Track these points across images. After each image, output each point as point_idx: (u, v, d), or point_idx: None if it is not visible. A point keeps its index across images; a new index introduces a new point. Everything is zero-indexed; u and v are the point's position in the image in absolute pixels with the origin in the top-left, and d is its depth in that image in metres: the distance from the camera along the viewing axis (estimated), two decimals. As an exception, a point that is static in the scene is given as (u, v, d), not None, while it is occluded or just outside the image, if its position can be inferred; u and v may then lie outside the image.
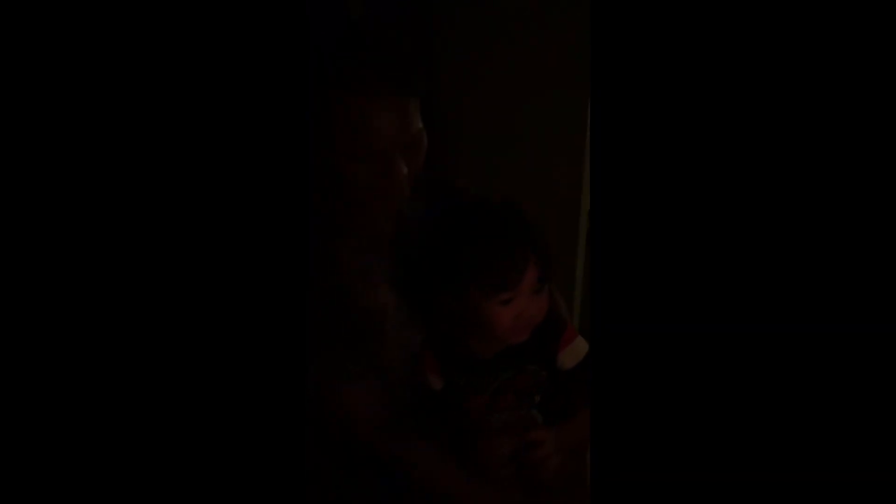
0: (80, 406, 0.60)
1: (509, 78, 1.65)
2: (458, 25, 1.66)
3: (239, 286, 0.63)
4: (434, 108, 1.02)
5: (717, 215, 0.60)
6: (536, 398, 0.96)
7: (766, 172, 0.60)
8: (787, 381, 0.60)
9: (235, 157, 0.63)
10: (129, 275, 0.61)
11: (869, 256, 0.59)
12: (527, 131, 1.67)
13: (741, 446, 0.60)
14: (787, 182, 0.60)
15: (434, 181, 0.99)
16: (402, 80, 0.92)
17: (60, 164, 0.60)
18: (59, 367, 0.60)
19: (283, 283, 0.64)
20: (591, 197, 0.63)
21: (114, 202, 0.61)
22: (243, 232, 0.63)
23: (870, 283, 0.59)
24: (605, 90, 0.62)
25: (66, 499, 0.60)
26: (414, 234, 0.98)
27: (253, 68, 0.63)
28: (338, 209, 0.95)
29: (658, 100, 0.60)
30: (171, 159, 0.62)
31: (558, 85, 1.59)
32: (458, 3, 1.66)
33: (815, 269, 0.59)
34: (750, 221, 0.60)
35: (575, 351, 0.94)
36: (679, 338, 0.61)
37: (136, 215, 0.61)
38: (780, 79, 0.59)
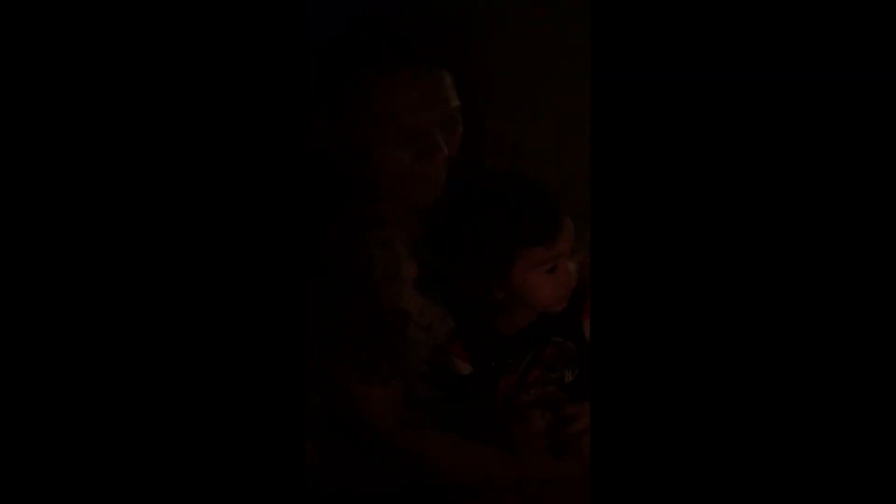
0: (79, 405, 0.60)
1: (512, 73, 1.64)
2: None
3: (250, 284, 0.63)
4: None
5: (715, 209, 0.60)
6: (569, 376, 0.96)
7: (766, 167, 0.60)
8: (785, 368, 0.60)
9: (233, 154, 0.63)
10: (141, 275, 0.61)
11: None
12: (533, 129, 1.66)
13: (738, 439, 0.60)
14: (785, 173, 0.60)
15: (466, 164, 0.96)
16: (435, 51, 0.88)
17: (58, 157, 0.60)
18: (59, 366, 0.60)
19: (284, 279, 0.64)
20: (591, 192, 0.63)
21: (128, 205, 0.61)
22: (250, 229, 0.63)
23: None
24: (605, 82, 0.62)
25: (67, 499, 0.60)
26: (447, 221, 0.96)
27: (254, 66, 0.63)
28: (368, 199, 0.91)
29: (659, 96, 0.61)
30: (180, 160, 0.62)
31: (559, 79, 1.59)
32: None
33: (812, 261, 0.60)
34: (748, 217, 0.60)
35: None
36: (679, 329, 0.61)
37: (145, 217, 0.62)
38: (779, 69, 0.59)
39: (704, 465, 0.60)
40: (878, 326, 0.58)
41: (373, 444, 0.96)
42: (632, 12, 0.60)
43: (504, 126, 1.68)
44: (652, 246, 0.61)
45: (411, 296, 0.97)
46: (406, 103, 0.85)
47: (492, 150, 1.68)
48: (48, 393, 0.60)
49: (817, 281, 0.59)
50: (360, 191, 0.90)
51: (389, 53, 0.85)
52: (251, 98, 0.63)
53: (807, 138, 0.59)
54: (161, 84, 0.61)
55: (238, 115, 0.63)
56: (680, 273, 0.61)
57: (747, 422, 0.60)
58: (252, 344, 0.63)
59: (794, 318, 0.59)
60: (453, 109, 0.89)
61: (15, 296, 0.59)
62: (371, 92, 0.85)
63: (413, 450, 0.95)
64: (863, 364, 0.58)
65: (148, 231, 0.61)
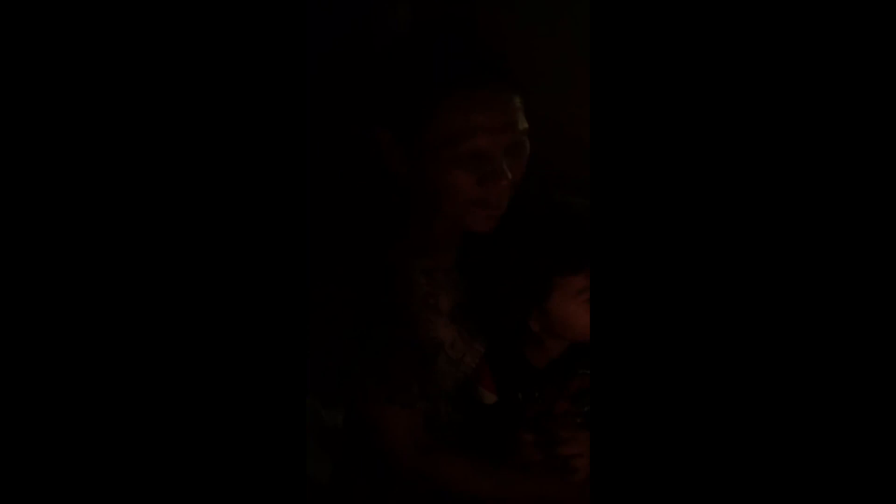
0: (79, 405, 0.60)
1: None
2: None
3: (263, 296, 0.62)
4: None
5: (715, 210, 0.60)
6: (587, 406, 0.95)
7: (766, 167, 0.59)
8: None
9: (239, 160, 0.63)
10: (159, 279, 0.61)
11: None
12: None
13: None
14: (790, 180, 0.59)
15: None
16: (504, 70, 0.85)
17: (60, 165, 0.60)
18: (59, 367, 0.60)
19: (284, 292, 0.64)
20: (591, 192, 0.63)
21: (150, 207, 0.61)
22: (258, 236, 0.63)
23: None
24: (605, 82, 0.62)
25: (67, 499, 0.60)
26: (483, 249, 0.94)
27: (258, 66, 0.63)
28: (422, 224, 0.89)
29: (657, 107, 0.60)
30: (188, 162, 0.61)
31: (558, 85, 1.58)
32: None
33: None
34: (748, 218, 0.60)
35: None
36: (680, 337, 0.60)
37: (179, 224, 0.61)
38: (779, 76, 0.59)
39: (706, 484, 0.59)
40: (879, 326, 0.58)
41: (383, 461, 0.96)
42: (632, 12, 0.60)
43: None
44: (653, 247, 0.61)
45: (446, 326, 0.96)
46: (471, 126, 0.82)
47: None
48: (48, 394, 0.60)
49: (818, 281, 0.59)
50: (417, 212, 0.88)
51: (459, 68, 0.82)
52: (258, 102, 0.63)
53: (807, 138, 0.59)
54: (166, 86, 0.61)
55: (245, 119, 0.63)
56: (681, 275, 0.60)
57: (750, 435, 0.59)
58: (257, 351, 0.63)
59: (795, 319, 0.59)
60: (520, 133, 0.85)
61: (15, 296, 0.59)
62: (436, 113, 0.82)
63: (422, 467, 0.95)
64: (863, 364, 0.58)
65: (160, 233, 0.61)
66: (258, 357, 0.62)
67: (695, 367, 0.60)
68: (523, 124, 0.86)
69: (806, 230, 0.59)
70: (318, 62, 0.95)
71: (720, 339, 0.60)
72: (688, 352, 0.60)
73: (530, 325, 0.93)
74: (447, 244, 0.95)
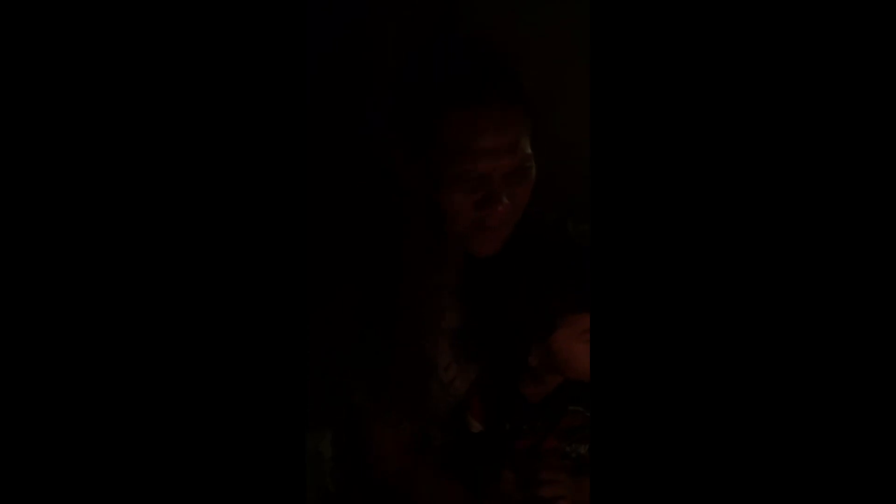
0: (79, 405, 0.60)
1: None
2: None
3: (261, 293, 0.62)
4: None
5: (716, 211, 0.60)
6: (584, 449, 0.93)
7: (766, 167, 0.59)
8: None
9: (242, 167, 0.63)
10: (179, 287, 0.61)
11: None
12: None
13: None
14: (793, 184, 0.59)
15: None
16: (511, 91, 0.83)
17: (59, 165, 0.60)
18: (59, 366, 0.60)
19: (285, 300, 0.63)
20: (592, 195, 0.63)
21: (145, 210, 0.61)
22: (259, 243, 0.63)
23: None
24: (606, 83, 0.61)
25: (66, 499, 0.60)
26: (488, 279, 0.93)
27: (262, 68, 0.63)
28: (428, 239, 0.88)
29: (658, 107, 0.60)
30: (197, 165, 0.61)
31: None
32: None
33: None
34: (748, 219, 0.60)
35: None
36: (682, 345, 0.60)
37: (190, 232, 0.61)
38: (778, 74, 0.59)
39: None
40: (879, 327, 0.58)
41: (370, 476, 0.95)
42: (631, 12, 0.60)
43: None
44: (654, 251, 0.60)
45: (443, 348, 0.95)
46: (473, 148, 0.80)
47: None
48: (48, 392, 0.60)
49: (818, 283, 0.59)
50: (418, 219, 0.87)
51: (465, 85, 0.81)
52: (258, 102, 0.63)
53: (807, 138, 0.59)
54: (167, 86, 0.61)
55: (245, 119, 0.62)
56: (683, 282, 0.60)
57: (751, 478, 0.58)
58: (254, 356, 0.62)
59: (799, 359, 0.58)
60: (524, 158, 0.83)
61: (15, 296, 0.59)
62: (441, 126, 0.81)
63: (405, 483, 0.94)
64: (863, 364, 0.58)
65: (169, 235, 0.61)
66: (255, 362, 0.62)
67: (696, 408, 0.59)
68: (527, 149, 0.84)
69: (810, 264, 0.58)
70: (318, 62, 0.95)
71: (723, 385, 0.59)
72: (689, 392, 0.59)
73: (529, 359, 0.91)
74: (451, 262, 0.93)
